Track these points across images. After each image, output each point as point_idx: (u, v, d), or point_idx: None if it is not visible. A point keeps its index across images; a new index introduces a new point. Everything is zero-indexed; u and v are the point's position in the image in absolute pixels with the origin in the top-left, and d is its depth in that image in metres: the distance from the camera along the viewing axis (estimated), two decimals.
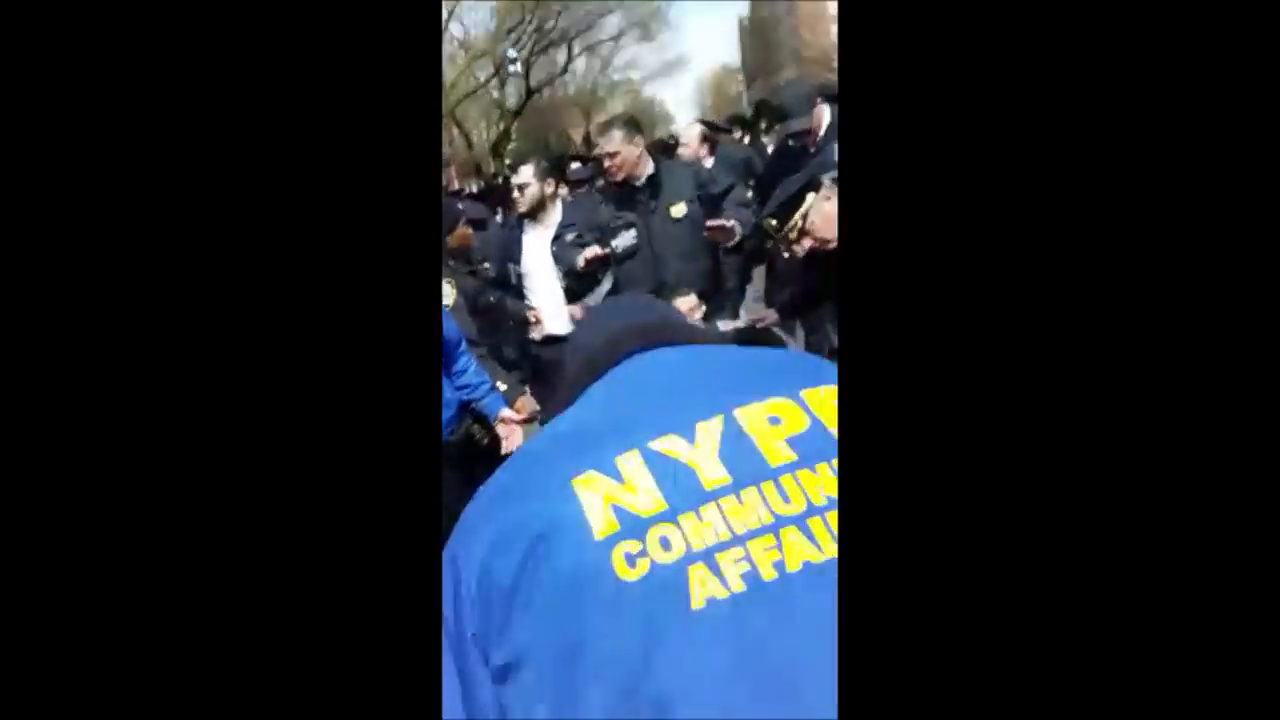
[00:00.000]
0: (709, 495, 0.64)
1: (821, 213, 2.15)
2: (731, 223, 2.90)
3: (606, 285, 3.04)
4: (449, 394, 2.30)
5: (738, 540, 0.61)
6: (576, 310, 3.09)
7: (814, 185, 2.18)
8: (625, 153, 3.06)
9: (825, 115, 3.14)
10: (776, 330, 2.96)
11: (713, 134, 4.82)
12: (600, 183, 3.71)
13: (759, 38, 42.97)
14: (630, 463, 0.66)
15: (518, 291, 3.42)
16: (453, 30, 25.19)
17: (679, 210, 3.08)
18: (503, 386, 2.53)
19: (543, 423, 0.87)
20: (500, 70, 26.46)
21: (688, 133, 4.87)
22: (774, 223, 2.24)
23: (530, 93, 27.36)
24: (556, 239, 3.31)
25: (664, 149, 5.55)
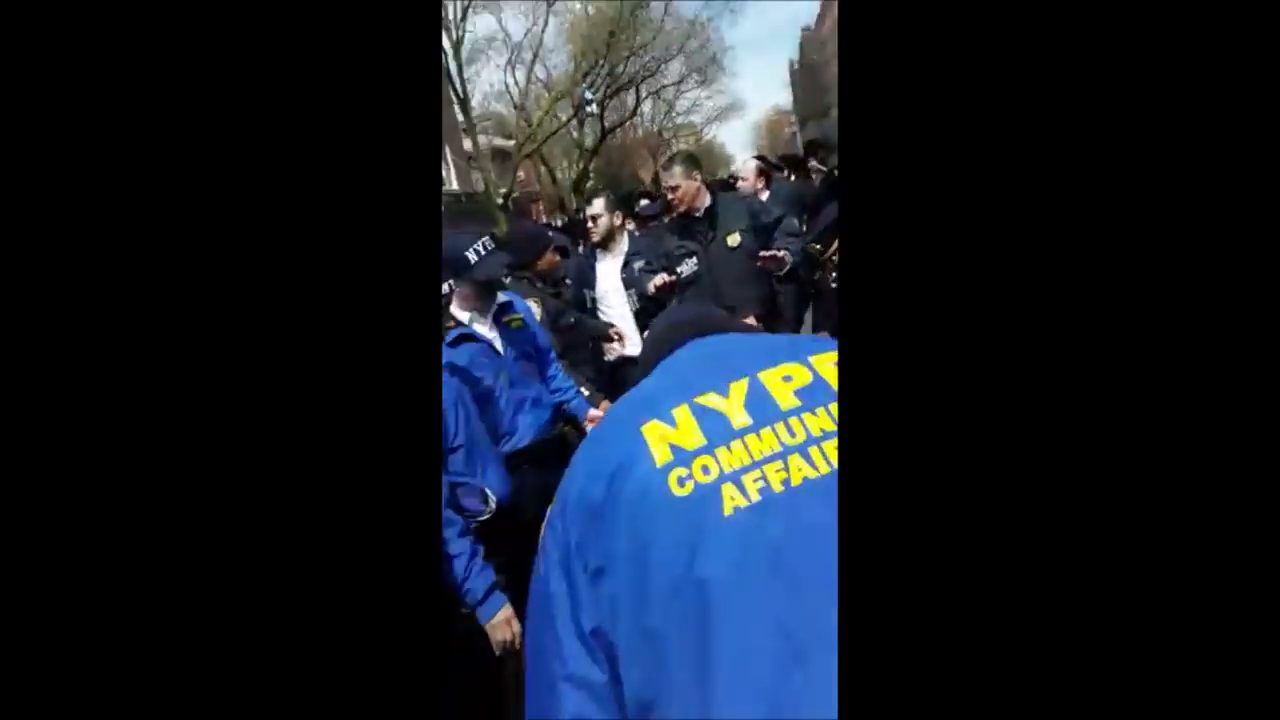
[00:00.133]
0: (737, 433, 0.78)
1: None
2: (783, 252, 2.95)
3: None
4: (546, 397, 2.46)
5: (756, 465, 0.75)
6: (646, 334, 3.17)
7: None
8: (686, 186, 3.16)
9: None
10: None
11: (768, 168, 4.93)
12: (666, 219, 3.79)
13: (809, 81, 42.18)
14: (681, 413, 0.81)
15: (591, 314, 3.48)
16: (536, 72, 25.95)
17: (734, 239, 3.16)
18: (585, 393, 2.70)
19: None
20: (579, 111, 27.02)
21: (744, 168, 4.92)
22: (818, 247, 2.39)
23: (605, 133, 27.84)
24: (626, 266, 3.41)
25: (724, 186, 5.67)
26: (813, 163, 5.07)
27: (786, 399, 0.81)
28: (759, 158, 5.13)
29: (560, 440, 2.47)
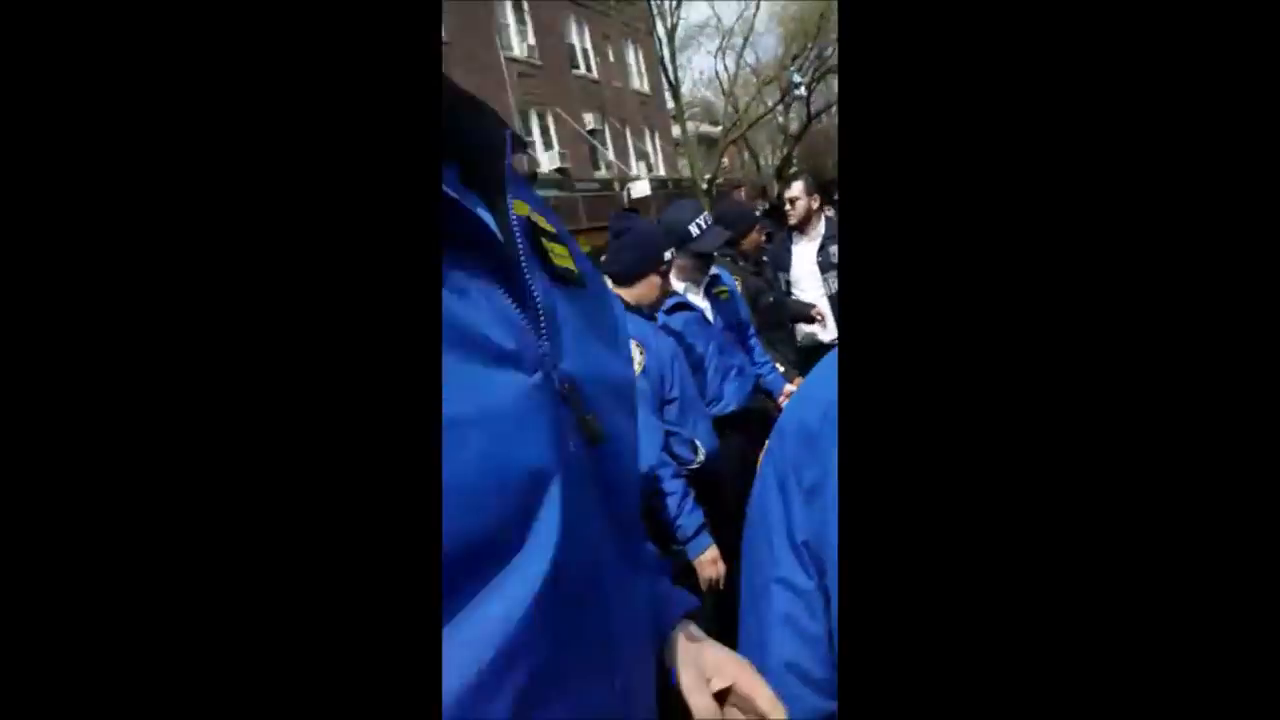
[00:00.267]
0: None
1: None
2: None
3: None
4: (749, 368, 2.59)
5: None
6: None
7: None
8: None
9: None
10: None
11: None
12: None
13: None
14: None
15: (785, 295, 3.54)
16: (746, 57, 25.77)
17: None
18: (781, 368, 2.81)
19: None
20: (786, 95, 26.47)
21: None
22: None
23: (810, 118, 27.15)
24: (822, 250, 3.45)
25: None
26: None
27: None
28: None
29: (762, 412, 2.57)
